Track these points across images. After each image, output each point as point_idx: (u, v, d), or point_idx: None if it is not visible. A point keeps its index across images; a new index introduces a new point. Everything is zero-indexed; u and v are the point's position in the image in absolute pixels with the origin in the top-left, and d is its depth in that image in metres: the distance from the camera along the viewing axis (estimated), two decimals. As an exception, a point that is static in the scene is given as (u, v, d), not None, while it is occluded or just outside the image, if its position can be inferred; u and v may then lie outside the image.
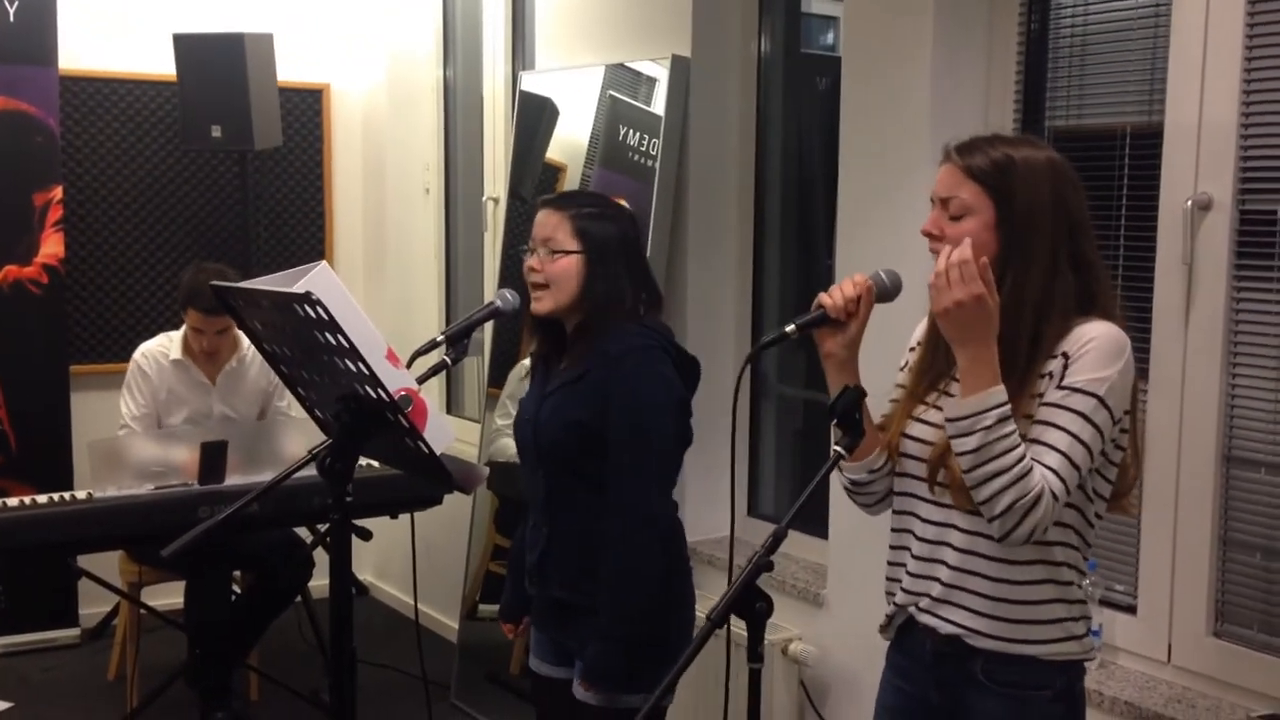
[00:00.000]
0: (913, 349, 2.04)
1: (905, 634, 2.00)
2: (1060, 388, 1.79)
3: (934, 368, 1.96)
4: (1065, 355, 1.80)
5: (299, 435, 3.60)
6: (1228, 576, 2.49)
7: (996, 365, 1.76)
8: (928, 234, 1.88)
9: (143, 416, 3.88)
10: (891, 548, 2.01)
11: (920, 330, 2.04)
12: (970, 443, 1.76)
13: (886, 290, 1.92)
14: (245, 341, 3.93)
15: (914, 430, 1.94)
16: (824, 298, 1.91)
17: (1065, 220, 1.83)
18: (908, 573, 1.96)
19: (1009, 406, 1.76)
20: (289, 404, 4.08)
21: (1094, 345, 1.79)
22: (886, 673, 2.06)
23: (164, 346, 3.95)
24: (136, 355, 3.95)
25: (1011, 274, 1.81)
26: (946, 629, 1.90)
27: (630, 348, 2.34)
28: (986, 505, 1.77)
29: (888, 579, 2.02)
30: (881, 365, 2.08)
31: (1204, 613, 2.50)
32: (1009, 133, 1.89)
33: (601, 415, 2.34)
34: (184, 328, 3.92)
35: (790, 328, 1.88)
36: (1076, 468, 1.78)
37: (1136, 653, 2.62)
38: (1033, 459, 1.77)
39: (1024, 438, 1.78)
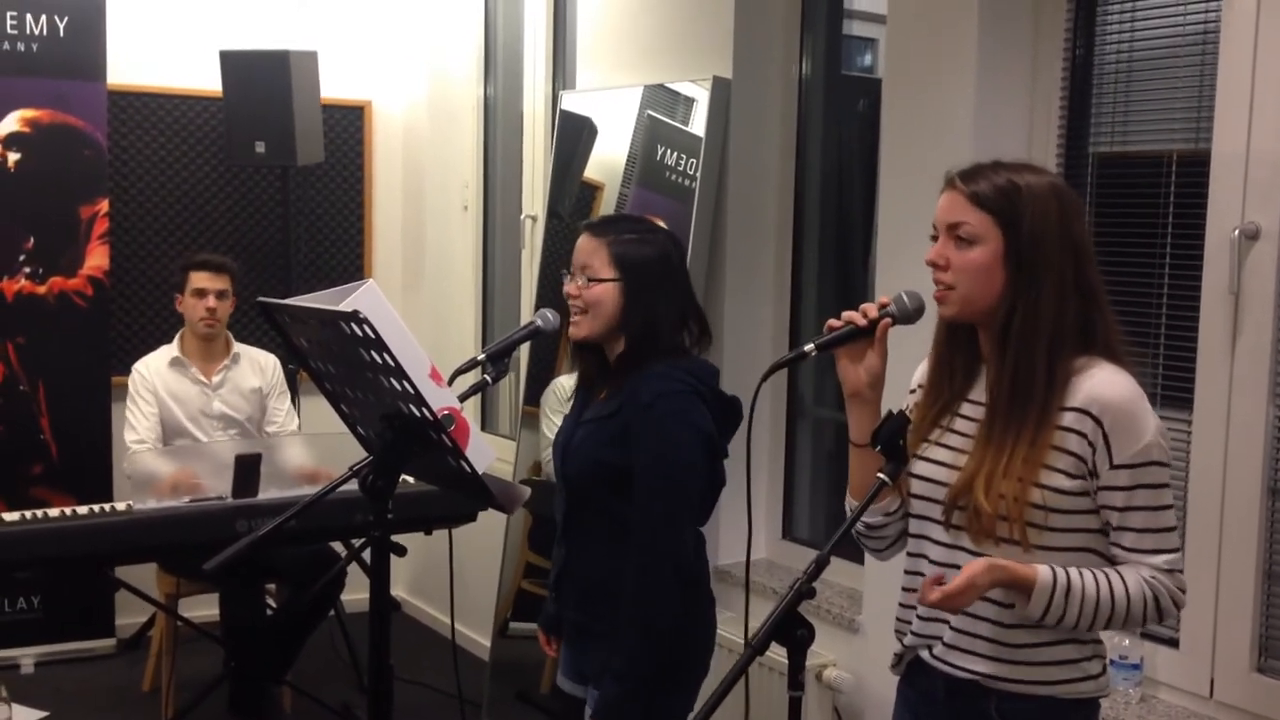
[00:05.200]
0: (913, 391, 2.02)
1: (915, 671, 1.98)
2: (1115, 467, 1.78)
3: (938, 404, 1.93)
4: (1095, 419, 1.77)
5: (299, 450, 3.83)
6: (1272, 611, 2.46)
7: (1020, 569, 1.76)
8: (933, 264, 1.85)
9: (148, 434, 4.02)
10: (904, 589, 1.99)
11: (920, 372, 2.01)
12: (1071, 617, 1.78)
13: (907, 312, 1.87)
14: (236, 344, 4.23)
15: (921, 469, 1.92)
16: (841, 318, 1.88)
17: (1071, 247, 1.80)
18: (918, 616, 1.94)
19: (1059, 577, 1.76)
20: (288, 411, 4.27)
21: (1127, 410, 1.77)
22: (898, 707, 2.04)
23: (160, 355, 4.16)
24: (135, 367, 4.12)
25: (1022, 305, 1.79)
26: (961, 675, 1.88)
27: (659, 393, 2.30)
28: (1128, 629, 1.82)
29: (898, 618, 2.00)
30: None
31: (1248, 647, 2.46)
32: (1009, 159, 1.87)
33: (628, 457, 2.32)
34: (178, 336, 4.15)
35: (809, 347, 1.85)
36: (1171, 529, 1.80)
37: (1178, 687, 2.58)
38: (1131, 549, 1.79)
39: (1057, 491, 1.78)
